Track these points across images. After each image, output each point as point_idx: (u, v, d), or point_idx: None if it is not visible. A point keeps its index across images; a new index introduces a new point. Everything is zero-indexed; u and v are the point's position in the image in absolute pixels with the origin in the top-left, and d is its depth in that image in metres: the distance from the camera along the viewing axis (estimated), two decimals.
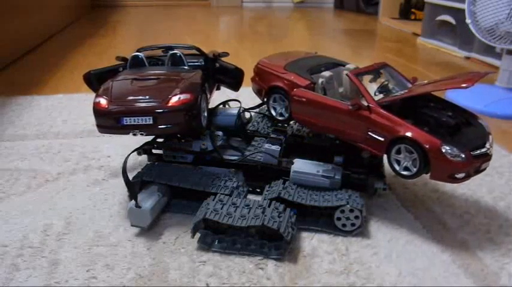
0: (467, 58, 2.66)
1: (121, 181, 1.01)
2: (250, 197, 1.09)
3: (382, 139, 0.93)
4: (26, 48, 2.67)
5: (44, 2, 3.03)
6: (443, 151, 0.85)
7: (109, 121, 0.97)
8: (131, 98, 0.98)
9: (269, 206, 0.94)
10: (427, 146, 0.86)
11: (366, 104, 0.94)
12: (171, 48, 1.20)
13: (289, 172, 1.04)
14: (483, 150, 0.90)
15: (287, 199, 0.98)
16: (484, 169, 0.93)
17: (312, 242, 0.96)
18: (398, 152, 0.91)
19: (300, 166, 1.04)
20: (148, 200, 0.98)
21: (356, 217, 0.96)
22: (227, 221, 0.90)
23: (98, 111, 0.98)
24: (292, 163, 1.05)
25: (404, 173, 0.92)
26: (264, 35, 3.46)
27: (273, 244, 0.91)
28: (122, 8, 4.80)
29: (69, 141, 1.46)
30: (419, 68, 2.46)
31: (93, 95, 1.03)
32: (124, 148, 1.39)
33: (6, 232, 0.99)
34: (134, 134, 0.97)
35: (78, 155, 1.36)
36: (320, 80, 1.04)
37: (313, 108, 1.02)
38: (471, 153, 0.87)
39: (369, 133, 0.95)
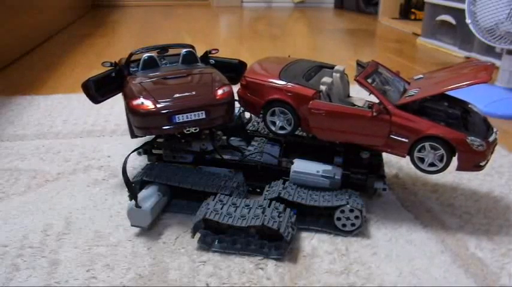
0: (467, 58, 2.67)
1: (121, 181, 1.01)
2: (250, 197, 1.09)
3: (406, 140, 0.94)
4: (26, 48, 2.67)
5: (44, 2, 3.03)
6: (469, 142, 0.89)
7: (158, 121, 0.97)
8: (178, 95, 0.99)
9: (269, 206, 0.94)
10: (455, 141, 0.90)
11: (382, 107, 0.94)
12: (166, 48, 1.22)
13: (289, 172, 1.04)
14: (493, 137, 0.94)
15: (287, 199, 0.97)
16: (493, 151, 0.97)
17: (312, 242, 0.96)
18: (421, 150, 0.93)
19: (300, 165, 1.04)
20: (148, 200, 0.98)
21: (356, 217, 0.96)
22: (227, 221, 0.90)
23: (145, 113, 0.97)
24: (292, 163, 1.05)
25: (431, 169, 0.94)
26: (264, 35, 3.46)
27: (273, 244, 0.91)
28: (122, 8, 4.80)
29: (69, 141, 1.46)
30: (420, 68, 2.46)
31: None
32: (124, 148, 1.39)
33: (6, 232, 0.99)
34: (188, 131, 0.98)
35: (78, 155, 1.36)
36: (323, 87, 1.02)
37: (333, 119, 0.98)
38: (488, 140, 0.91)
39: (391, 136, 0.95)
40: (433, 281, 0.85)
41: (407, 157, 0.96)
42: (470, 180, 1.23)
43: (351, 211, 0.96)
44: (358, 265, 0.89)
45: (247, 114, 1.34)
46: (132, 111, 0.99)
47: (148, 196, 1.00)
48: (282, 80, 1.02)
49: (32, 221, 1.03)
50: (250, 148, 1.16)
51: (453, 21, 2.77)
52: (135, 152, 1.14)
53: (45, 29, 3.08)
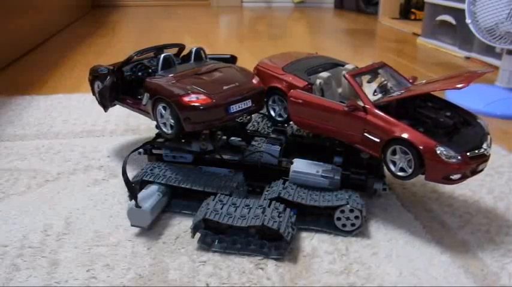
0: (467, 58, 2.66)
1: (121, 181, 1.01)
2: (251, 197, 1.09)
3: (377, 140, 0.93)
4: (26, 48, 2.67)
5: (44, 2, 3.03)
6: (438, 152, 0.85)
7: (217, 113, 0.99)
8: (226, 87, 1.02)
9: (269, 206, 0.94)
10: (422, 148, 0.86)
11: (361, 105, 0.94)
12: (162, 49, 1.24)
13: (289, 172, 1.04)
14: (480, 151, 0.89)
15: (287, 199, 0.97)
16: (482, 170, 0.92)
17: (312, 242, 0.96)
18: (394, 153, 0.91)
19: (300, 166, 1.04)
20: (148, 200, 0.98)
21: (356, 217, 0.96)
22: (227, 221, 0.90)
23: (205, 107, 0.97)
24: (292, 163, 1.05)
25: (400, 173, 0.92)
26: (264, 35, 3.46)
27: (273, 244, 0.91)
28: (122, 8, 4.80)
29: (69, 141, 1.46)
30: (419, 68, 2.46)
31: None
32: (124, 148, 1.40)
33: (6, 232, 0.99)
34: (241, 119, 1.05)
35: (78, 155, 1.36)
36: (318, 81, 1.04)
37: (310, 109, 1.02)
38: (467, 154, 0.87)
39: (365, 134, 0.95)
40: (433, 281, 0.85)
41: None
42: (470, 180, 1.22)
43: (351, 211, 0.96)
44: (358, 265, 0.89)
45: None
46: (186, 108, 0.98)
47: (148, 196, 1.00)
48: (283, 71, 1.10)
49: (32, 221, 1.03)
50: (250, 147, 1.16)
51: (453, 21, 2.77)
52: (135, 152, 1.14)
53: (45, 29, 3.08)
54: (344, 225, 0.97)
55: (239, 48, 2.93)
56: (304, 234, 0.98)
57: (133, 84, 1.19)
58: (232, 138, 1.22)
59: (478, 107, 1.77)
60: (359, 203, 0.97)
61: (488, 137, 0.94)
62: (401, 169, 0.91)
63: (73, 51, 2.72)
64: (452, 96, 1.87)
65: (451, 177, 0.88)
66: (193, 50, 1.18)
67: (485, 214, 1.07)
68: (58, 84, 2.09)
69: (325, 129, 1.02)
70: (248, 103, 1.04)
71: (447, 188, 1.18)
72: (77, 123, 1.61)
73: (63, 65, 2.42)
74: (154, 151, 1.18)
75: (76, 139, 1.48)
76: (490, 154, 0.91)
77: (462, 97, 1.85)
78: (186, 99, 0.98)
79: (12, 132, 1.52)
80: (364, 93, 0.96)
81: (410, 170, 0.89)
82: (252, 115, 1.35)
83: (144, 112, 1.11)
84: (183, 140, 1.14)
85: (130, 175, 1.03)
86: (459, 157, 0.85)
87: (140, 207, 0.96)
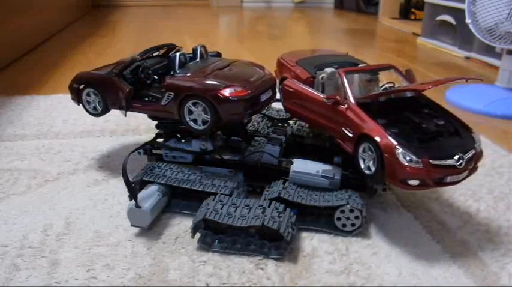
0: (467, 58, 2.67)
1: (121, 181, 1.01)
2: (251, 197, 1.09)
3: (351, 135, 0.94)
4: (26, 48, 2.67)
5: (44, 2, 3.03)
6: (397, 153, 0.84)
7: (251, 104, 1.04)
8: (251, 79, 1.07)
9: (269, 206, 0.94)
10: (382, 146, 0.86)
11: (340, 99, 0.96)
12: (158, 49, 1.27)
13: (289, 172, 1.04)
14: (448, 161, 0.85)
15: (287, 199, 0.97)
16: (453, 183, 0.89)
17: (312, 242, 0.96)
18: (364, 150, 0.92)
19: (300, 165, 1.04)
20: (148, 200, 0.98)
21: (356, 217, 0.96)
22: (227, 221, 0.90)
23: (241, 99, 1.01)
24: (292, 163, 1.05)
25: (366, 171, 0.92)
26: (264, 35, 3.46)
27: (273, 244, 0.91)
28: (122, 8, 4.80)
29: (69, 142, 1.46)
30: (420, 68, 2.46)
31: None
32: (124, 148, 1.40)
33: (6, 232, 0.99)
34: (266, 109, 1.11)
35: (78, 155, 1.36)
36: (320, 76, 1.05)
37: (299, 99, 1.07)
38: (429, 161, 0.84)
39: (342, 128, 0.96)
40: (433, 281, 0.85)
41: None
42: (470, 180, 1.22)
43: (351, 211, 0.96)
44: (358, 265, 0.89)
45: None
46: (225, 101, 1.00)
47: (148, 196, 1.00)
48: (295, 64, 1.15)
49: (32, 221, 1.03)
50: (250, 147, 1.16)
51: (453, 21, 2.77)
52: (135, 152, 1.14)
53: (45, 29, 3.08)
54: (344, 225, 0.97)
55: (239, 48, 2.93)
56: (304, 234, 0.98)
57: (135, 87, 1.17)
58: (232, 138, 1.23)
59: (478, 107, 1.77)
60: (359, 203, 0.96)
61: (472, 151, 0.89)
62: (368, 167, 0.91)
63: (73, 51, 2.72)
64: (452, 97, 1.88)
65: (409, 181, 0.85)
66: (199, 48, 1.20)
67: (485, 214, 1.07)
68: (58, 84, 2.09)
69: (310, 119, 1.07)
70: (269, 93, 1.10)
71: (447, 188, 1.17)
72: (77, 123, 1.61)
73: (63, 65, 2.42)
74: (154, 151, 1.18)
75: (76, 139, 1.48)
76: (464, 167, 0.87)
77: (462, 97, 1.86)
78: (224, 92, 1.00)
79: (12, 132, 1.52)
80: (349, 90, 0.97)
81: (373, 169, 0.89)
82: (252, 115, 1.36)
83: (162, 112, 1.09)
84: (183, 140, 1.14)
85: (131, 175, 1.03)
86: (419, 162, 0.84)
87: (140, 207, 0.96)
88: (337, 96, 0.97)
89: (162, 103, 1.06)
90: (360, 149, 0.92)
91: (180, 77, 1.05)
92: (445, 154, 0.86)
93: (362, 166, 0.92)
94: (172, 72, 1.08)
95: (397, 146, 0.84)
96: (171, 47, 1.30)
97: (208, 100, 1.00)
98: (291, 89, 1.09)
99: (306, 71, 1.09)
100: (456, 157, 0.86)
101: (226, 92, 1.00)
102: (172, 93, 1.04)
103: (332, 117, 0.99)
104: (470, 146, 0.90)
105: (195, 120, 1.04)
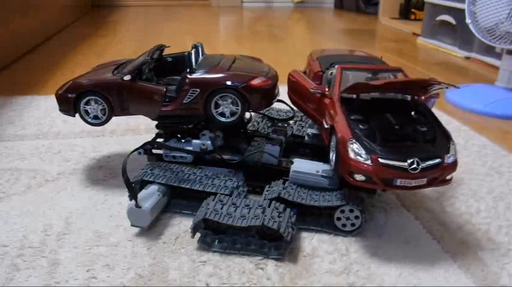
0: (467, 58, 2.67)
1: (121, 181, 1.01)
2: (251, 197, 1.09)
3: (327, 126, 0.98)
4: (26, 48, 2.67)
5: (44, 2, 3.03)
6: (348, 145, 0.86)
7: (274, 93, 1.11)
8: (264, 71, 1.12)
9: (269, 206, 0.94)
10: (339, 138, 0.89)
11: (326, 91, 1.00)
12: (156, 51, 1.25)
13: (289, 172, 1.04)
14: (399, 163, 0.84)
15: (287, 199, 0.97)
16: (405, 187, 0.86)
17: (312, 242, 0.96)
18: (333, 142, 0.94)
19: (300, 165, 1.04)
20: (148, 200, 0.98)
21: (356, 217, 0.96)
22: (227, 221, 0.90)
23: (269, 87, 1.07)
24: (292, 163, 1.05)
25: (331, 163, 0.95)
26: (264, 35, 3.46)
27: (273, 244, 0.91)
28: (122, 8, 4.80)
29: (69, 142, 1.46)
30: (419, 68, 2.47)
31: None
32: (124, 148, 1.40)
33: (6, 232, 0.99)
34: (279, 100, 1.16)
35: (78, 155, 1.36)
36: (329, 72, 1.06)
37: (298, 88, 1.12)
38: (379, 159, 0.84)
39: (323, 120, 1.00)
40: (433, 281, 0.85)
41: None
42: (470, 180, 1.23)
43: (351, 211, 0.96)
44: (358, 265, 0.89)
45: (247, 114, 1.34)
46: (256, 90, 1.05)
47: (148, 196, 1.00)
48: (316, 59, 1.17)
49: (32, 221, 1.03)
50: (250, 147, 1.16)
51: (453, 21, 2.77)
52: (135, 152, 1.14)
53: (45, 29, 3.08)
54: (344, 225, 0.97)
55: (239, 48, 2.93)
56: (304, 234, 0.98)
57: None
58: (232, 138, 1.23)
59: (478, 107, 1.77)
60: (359, 203, 0.96)
61: (436, 160, 0.85)
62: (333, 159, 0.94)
63: (73, 52, 2.72)
64: (452, 97, 1.88)
65: (355, 176, 0.86)
66: (199, 46, 1.22)
67: (485, 214, 1.07)
68: (58, 84, 2.07)
69: (305, 109, 1.12)
70: (278, 87, 1.15)
71: (447, 188, 1.17)
72: (77, 123, 1.60)
73: (63, 65, 2.42)
74: (154, 151, 1.18)
75: (76, 139, 1.48)
76: (424, 175, 0.84)
77: (462, 97, 1.86)
78: (254, 82, 1.05)
79: (13, 132, 1.52)
80: (338, 84, 0.98)
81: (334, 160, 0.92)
82: (252, 115, 1.36)
83: (183, 110, 1.08)
84: (183, 140, 1.14)
85: (131, 175, 1.03)
86: (368, 158, 0.84)
87: (140, 207, 0.96)
88: (326, 89, 1.00)
89: (184, 101, 1.07)
90: (332, 142, 0.94)
91: (201, 74, 1.07)
92: (399, 156, 0.84)
93: (330, 157, 0.95)
94: (188, 70, 1.09)
95: (350, 139, 0.86)
96: (164, 47, 1.28)
97: (239, 91, 1.03)
98: (293, 79, 1.15)
99: (319, 66, 1.11)
100: (409, 160, 0.84)
101: (256, 82, 1.04)
102: (198, 90, 1.05)
103: (319, 108, 1.03)
104: (436, 155, 0.86)
105: (221, 114, 1.06)
